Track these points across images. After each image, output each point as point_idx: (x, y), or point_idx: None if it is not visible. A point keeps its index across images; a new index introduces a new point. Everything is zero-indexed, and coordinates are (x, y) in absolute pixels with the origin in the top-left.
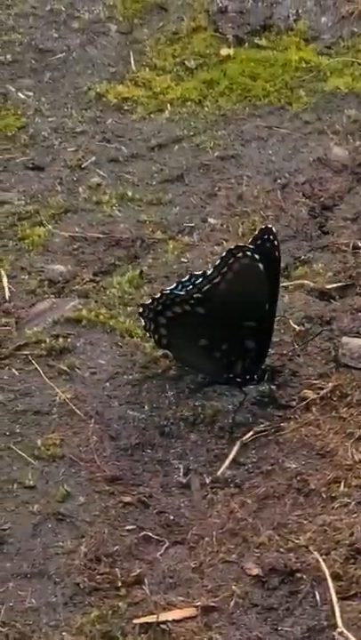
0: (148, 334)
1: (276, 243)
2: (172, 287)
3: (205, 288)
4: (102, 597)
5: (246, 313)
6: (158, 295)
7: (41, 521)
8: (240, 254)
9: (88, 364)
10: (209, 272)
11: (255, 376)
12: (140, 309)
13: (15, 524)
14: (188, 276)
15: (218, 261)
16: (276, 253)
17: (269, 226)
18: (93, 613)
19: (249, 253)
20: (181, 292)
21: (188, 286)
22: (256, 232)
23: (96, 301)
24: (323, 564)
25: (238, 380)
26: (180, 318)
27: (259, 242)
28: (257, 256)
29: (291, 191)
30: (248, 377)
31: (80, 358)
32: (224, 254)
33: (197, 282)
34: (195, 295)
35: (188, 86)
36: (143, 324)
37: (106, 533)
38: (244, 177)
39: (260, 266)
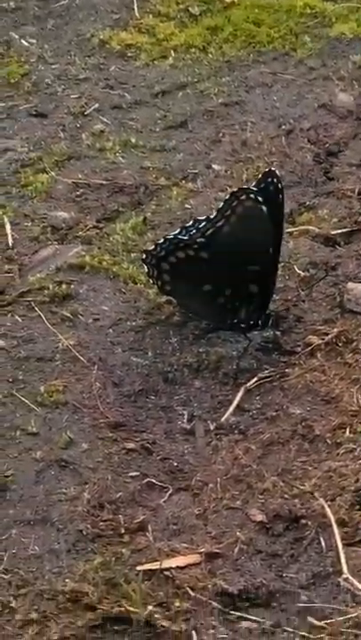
0: (151, 281)
1: (279, 186)
2: (176, 232)
3: (209, 232)
4: (105, 544)
5: (250, 257)
6: (161, 241)
7: (44, 468)
8: (243, 197)
9: (91, 310)
10: (212, 216)
11: (259, 322)
12: (143, 256)
13: (18, 470)
14: (191, 222)
15: (221, 204)
16: (280, 197)
17: (273, 169)
18: (96, 560)
19: (252, 196)
20: (185, 237)
21: (191, 231)
22: (260, 176)
23: (99, 248)
24: (328, 510)
25: (242, 325)
26: (183, 264)
27: (262, 185)
28: (260, 198)
29: (295, 137)
30: (252, 322)
31: (83, 305)
32: (227, 197)
33: (201, 226)
34: (198, 240)
35: (192, 33)
36: (146, 270)
37: (109, 480)
38: (249, 123)
39: (264, 208)
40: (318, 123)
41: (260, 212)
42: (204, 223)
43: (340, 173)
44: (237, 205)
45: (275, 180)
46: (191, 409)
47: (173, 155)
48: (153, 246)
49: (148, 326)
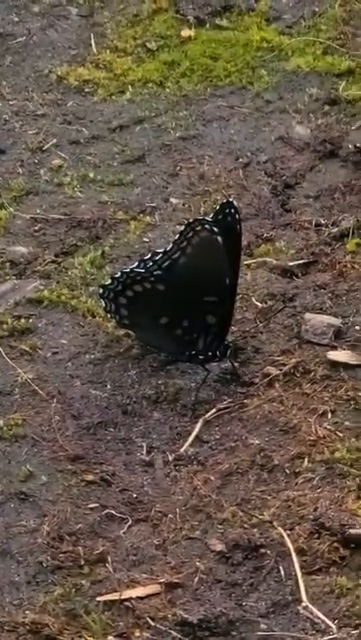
0: (109, 315)
1: (237, 216)
2: (134, 265)
3: (165, 264)
4: (65, 575)
5: (207, 287)
6: (118, 275)
7: (3, 501)
8: (199, 227)
9: (50, 344)
10: (168, 248)
11: (218, 353)
12: (100, 291)
13: None
14: (149, 254)
15: (177, 236)
16: (238, 227)
17: (231, 200)
18: (56, 591)
19: (207, 226)
20: (141, 270)
21: (148, 264)
22: (217, 207)
23: (58, 282)
24: (287, 539)
25: (201, 357)
26: (140, 297)
27: (220, 216)
28: (216, 229)
29: (253, 170)
30: (210, 354)
31: (42, 338)
32: (183, 228)
33: (157, 258)
34: (155, 272)
35: (150, 68)
36: (104, 305)
37: (69, 512)
38: (206, 156)
39: (219, 239)
40: (275, 155)
41: (215, 242)
42: (160, 255)
43: (298, 205)
44: (193, 236)
45: (232, 210)
46: (150, 440)
47: (131, 189)
48: (110, 280)
49: (107, 359)
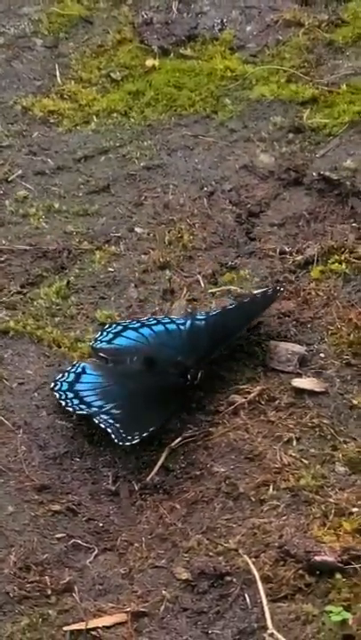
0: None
1: (277, 294)
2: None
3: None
4: (32, 606)
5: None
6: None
7: None
8: None
9: (16, 374)
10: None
11: (188, 377)
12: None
13: None
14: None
15: None
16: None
17: (281, 288)
18: (23, 622)
19: None
20: None
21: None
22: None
23: (23, 313)
24: (252, 566)
25: None
26: None
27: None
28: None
29: (217, 199)
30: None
31: (8, 369)
32: None
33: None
34: None
35: (114, 98)
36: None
37: (35, 542)
38: (171, 186)
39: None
40: (240, 184)
41: None
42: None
43: (262, 233)
44: None
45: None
46: (116, 470)
47: (96, 219)
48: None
49: None
